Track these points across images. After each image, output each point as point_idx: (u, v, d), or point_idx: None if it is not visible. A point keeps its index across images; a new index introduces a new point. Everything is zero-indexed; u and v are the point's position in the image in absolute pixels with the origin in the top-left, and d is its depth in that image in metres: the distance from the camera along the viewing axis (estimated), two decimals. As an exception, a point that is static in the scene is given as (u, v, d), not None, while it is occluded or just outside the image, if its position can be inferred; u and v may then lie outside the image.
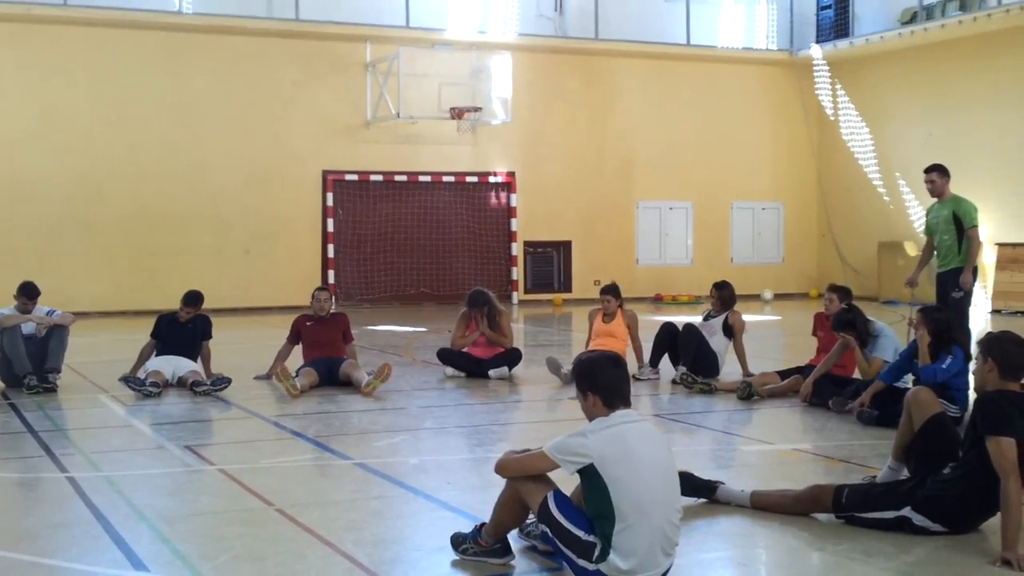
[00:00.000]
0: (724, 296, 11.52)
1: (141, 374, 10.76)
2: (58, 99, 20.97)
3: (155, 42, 21.52)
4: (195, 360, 11.14)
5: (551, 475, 5.01)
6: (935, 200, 11.12)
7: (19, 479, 7.28)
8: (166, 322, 11.28)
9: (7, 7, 20.37)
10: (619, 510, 4.69)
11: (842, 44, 24.86)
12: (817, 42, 25.65)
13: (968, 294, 10.89)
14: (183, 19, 21.76)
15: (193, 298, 11.28)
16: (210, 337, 11.32)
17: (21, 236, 20.57)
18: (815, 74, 26.32)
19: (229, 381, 10.62)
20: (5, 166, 20.63)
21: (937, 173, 11.03)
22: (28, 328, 10.83)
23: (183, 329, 11.22)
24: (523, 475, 5.04)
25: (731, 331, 11.33)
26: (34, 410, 9.66)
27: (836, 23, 25.29)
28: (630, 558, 4.70)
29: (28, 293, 10.94)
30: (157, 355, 11.08)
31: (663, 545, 4.78)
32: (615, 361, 5.09)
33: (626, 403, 4.92)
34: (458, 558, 5.25)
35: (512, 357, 11.75)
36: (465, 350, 11.79)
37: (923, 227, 11.52)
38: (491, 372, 11.54)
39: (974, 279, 10.92)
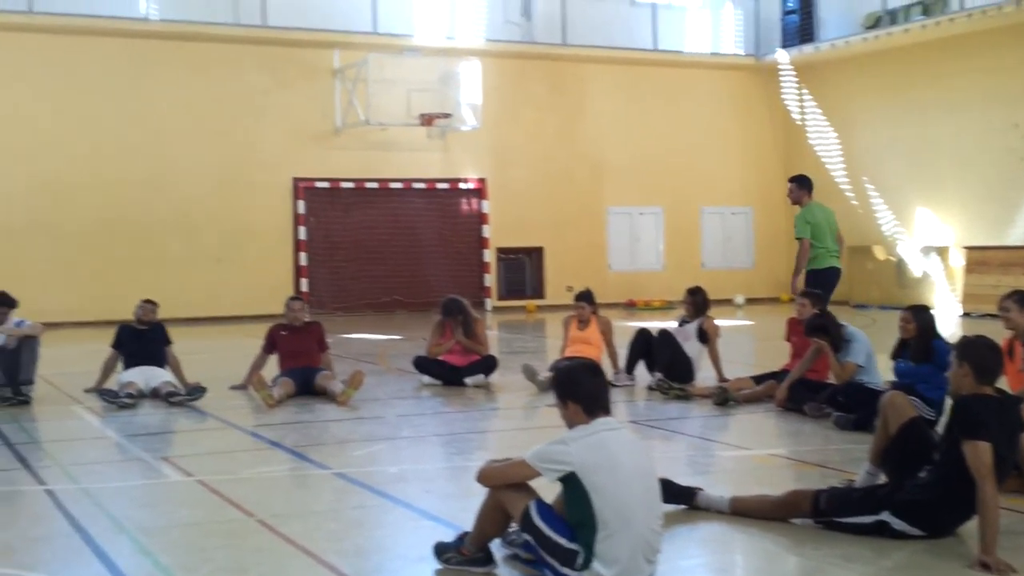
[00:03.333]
0: (697, 302, 11.56)
1: (114, 386, 10.66)
2: (23, 106, 20.81)
3: (121, 49, 21.39)
4: (163, 369, 11.03)
5: (532, 483, 5.03)
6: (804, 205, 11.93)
7: (-5, 493, 7.23)
8: (127, 332, 11.14)
9: (-29, 15, 20.22)
10: (601, 518, 4.72)
11: (807, 49, 25.01)
12: (783, 47, 25.77)
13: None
14: (149, 26, 21.60)
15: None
16: (171, 342, 11.20)
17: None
18: (781, 79, 26.47)
19: (204, 391, 10.55)
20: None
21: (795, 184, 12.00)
22: (-1, 340, 10.63)
23: (143, 337, 11.08)
24: (505, 484, 5.06)
25: (705, 336, 11.36)
26: (9, 422, 9.56)
27: (801, 28, 25.40)
28: (613, 566, 4.73)
29: (6, 303, 10.58)
30: (125, 367, 10.96)
31: (645, 552, 4.81)
32: (594, 369, 5.14)
33: (606, 411, 4.96)
34: (441, 567, 5.26)
35: (488, 364, 11.73)
36: (441, 358, 11.77)
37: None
38: (468, 380, 11.52)
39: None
